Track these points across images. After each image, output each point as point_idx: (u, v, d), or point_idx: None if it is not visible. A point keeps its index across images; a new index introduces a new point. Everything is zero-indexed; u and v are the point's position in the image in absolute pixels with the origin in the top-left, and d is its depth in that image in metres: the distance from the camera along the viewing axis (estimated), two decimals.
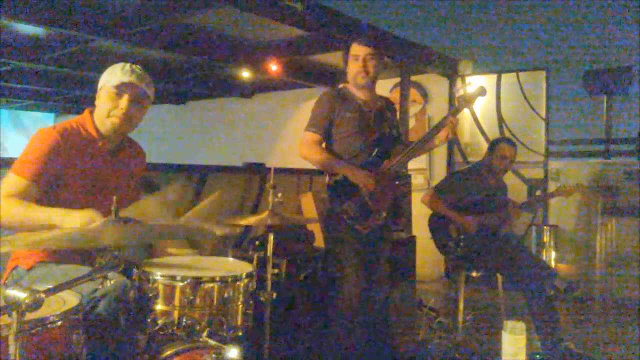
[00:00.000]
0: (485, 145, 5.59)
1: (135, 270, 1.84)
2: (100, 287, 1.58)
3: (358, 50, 2.65)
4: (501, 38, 5.67)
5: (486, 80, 5.74)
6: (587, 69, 5.18)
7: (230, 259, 2.14)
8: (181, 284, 1.78)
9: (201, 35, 5.11)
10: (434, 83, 6.23)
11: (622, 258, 4.78)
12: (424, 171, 6.11)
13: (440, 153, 6.02)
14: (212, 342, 1.72)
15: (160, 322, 1.77)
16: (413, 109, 6.16)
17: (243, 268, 1.99)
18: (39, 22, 4.05)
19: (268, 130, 7.85)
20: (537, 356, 3.08)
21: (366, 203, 2.60)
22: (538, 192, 4.18)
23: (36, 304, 1.14)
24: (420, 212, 4.14)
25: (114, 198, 1.33)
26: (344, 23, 4.44)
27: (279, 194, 2.24)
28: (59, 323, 1.45)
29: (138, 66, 2.07)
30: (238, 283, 1.88)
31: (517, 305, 3.77)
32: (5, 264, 1.97)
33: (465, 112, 5.61)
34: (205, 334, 1.74)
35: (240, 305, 1.91)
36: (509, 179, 4.90)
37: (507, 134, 5.55)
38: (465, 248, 3.40)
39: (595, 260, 4.79)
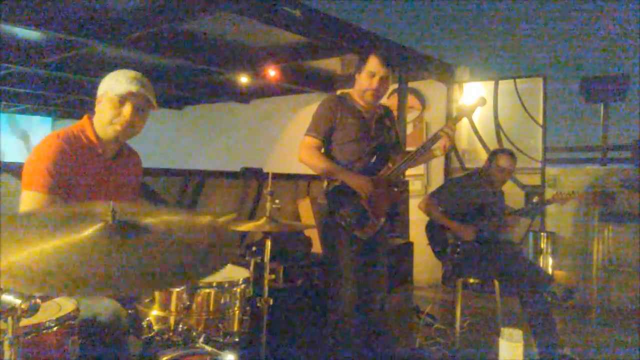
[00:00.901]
0: (482, 152, 5.62)
1: None
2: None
3: (378, 68, 2.62)
4: (499, 45, 5.71)
5: (483, 87, 5.76)
6: (584, 76, 5.20)
7: (227, 264, 2.13)
8: (177, 289, 1.78)
9: (199, 41, 5.12)
10: (432, 89, 6.24)
11: (619, 264, 4.79)
12: (421, 177, 6.11)
13: (437, 159, 6.01)
14: (208, 348, 1.71)
15: (156, 327, 1.76)
16: (411, 115, 6.17)
17: (240, 274, 1.99)
18: (38, 26, 4.05)
19: (266, 136, 7.85)
20: None
21: (364, 209, 2.60)
22: (535, 199, 4.18)
23: (32, 310, 1.13)
24: (417, 218, 4.13)
25: (111, 204, 1.32)
26: (342, 30, 4.46)
27: (277, 200, 2.24)
28: (55, 329, 1.45)
29: (141, 74, 2.06)
30: (235, 289, 1.88)
31: (514, 312, 3.77)
32: None
33: (463, 119, 5.62)
34: (201, 339, 1.74)
35: (237, 311, 1.90)
36: (506, 185, 4.89)
37: (504, 141, 5.57)
38: (462, 254, 3.40)
39: (592, 267, 4.79)
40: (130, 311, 1.80)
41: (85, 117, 2.10)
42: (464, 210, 3.45)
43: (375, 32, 4.85)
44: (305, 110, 7.17)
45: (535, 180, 5.44)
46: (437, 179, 5.98)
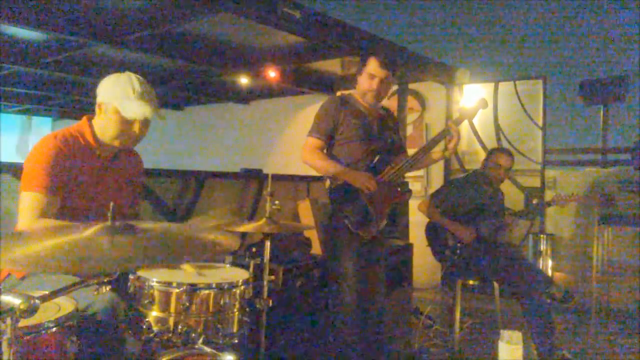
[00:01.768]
0: (482, 154, 5.62)
1: (130, 276, 1.84)
2: (95, 292, 1.58)
3: (377, 70, 2.65)
4: (499, 47, 5.71)
5: (483, 89, 5.76)
6: (584, 78, 5.21)
7: (227, 265, 2.13)
8: (177, 290, 1.78)
9: (199, 42, 5.12)
10: (432, 91, 6.24)
11: (619, 267, 4.78)
12: (420, 178, 6.11)
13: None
14: (207, 349, 1.71)
15: (155, 328, 1.76)
16: (410, 117, 6.17)
17: (239, 275, 1.98)
18: (37, 26, 4.04)
19: (266, 136, 7.85)
20: None
21: (368, 208, 2.60)
22: (535, 200, 4.19)
23: (31, 310, 1.13)
24: (417, 219, 4.13)
25: (111, 204, 1.33)
26: (342, 31, 4.46)
27: (276, 201, 2.24)
28: (54, 329, 1.45)
29: (145, 84, 2.03)
30: (234, 290, 1.87)
31: (513, 314, 3.77)
32: None
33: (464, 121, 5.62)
34: (200, 340, 1.73)
35: (237, 312, 1.90)
36: (506, 187, 4.90)
37: (504, 143, 5.57)
38: (461, 256, 3.40)
39: (592, 269, 4.78)
40: (130, 312, 1.80)
41: (84, 118, 2.10)
42: (464, 211, 3.45)
43: (376, 34, 4.85)
44: (305, 111, 7.17)
45: (535, 182, 5.43)
46: (437, 181, 5.98)
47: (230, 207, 3.47)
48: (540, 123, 5.47)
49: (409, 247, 4.24)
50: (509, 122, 5.65)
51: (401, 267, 3.95)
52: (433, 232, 3.55)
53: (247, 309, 1.97)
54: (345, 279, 2.58)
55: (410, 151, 2.89)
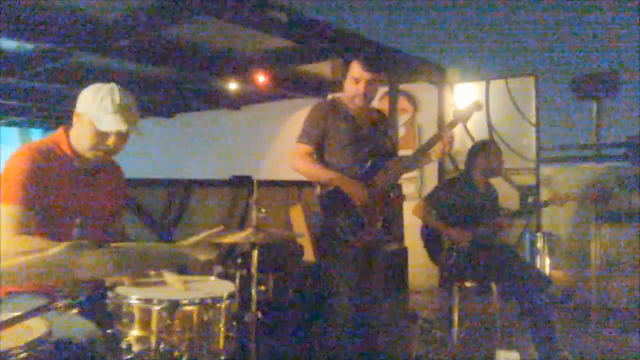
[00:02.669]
0: None
1: (109, 294, 1.75)
2: (66, 315, 1.50)
3: (360, 73, 2.57)
4: (489, 45, 5.66)
5: (475, 88, 5.71)
6: (576, 74, 5.16)
7: (212, 277, 2.05)
8: (158, 307, 1.69)
9: (186, 48, 5.05)
10: (423, 91, 6.19)
11: (618, 264, 4.73)
12: (414, 180, 6.05)
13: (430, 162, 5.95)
14: None
15: (135, 348, 1.67)
16: (402, 118, 6.11)
17: (224, 288, 1.90)
18: (22, 36, 3.96)
19: (257, 142, 7.78)
20: None
21: (359, 215, 2.53)
22: (530, 199, 4.14)
23: None
24: (412, 222, 4.06)
25: (78, 221, 1.24)
26: (330, 33, 4.39)
27: (263, 210, 2.17)
28: (23, 355, 1.36)
29: (124, 94, 1.94)
30: (219, 305, 1.79)
31: (512, 315, 3.70)
32: None
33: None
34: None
35: (222, 328, 1.82)
36: (501, 186, 4.84)
37: (497, 141, 5.51)
38: (458, 259, 3.34)
39: (590, 267, 4.72)
40: (108, 331, 1.71)
41: (60, 129, 2.02)
42: (458, 213, 3.38)
43: (363, 35, 4.79)
44: (296, 115, 7.10)
45: (530, 180, 5.38)
46: (431, 182, 5.91)
47: (219, 216, 3.39)
48: (533, 120, 5.42)
49: (403, 251, 4.16)
50: (502, 121, 5.60)
51: (396, 272, 3.87)
52: (428, 235, 3.49)
53: (235, 324, 1.88)
54: (339, 289, 2.50)
55: (402, 153, 2.83)
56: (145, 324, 1.70)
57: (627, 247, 4.65)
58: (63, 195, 1.92)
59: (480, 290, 3.62)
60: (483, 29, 5.58)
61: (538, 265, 4.94)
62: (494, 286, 3.48)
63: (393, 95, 5.41)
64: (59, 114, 9.22)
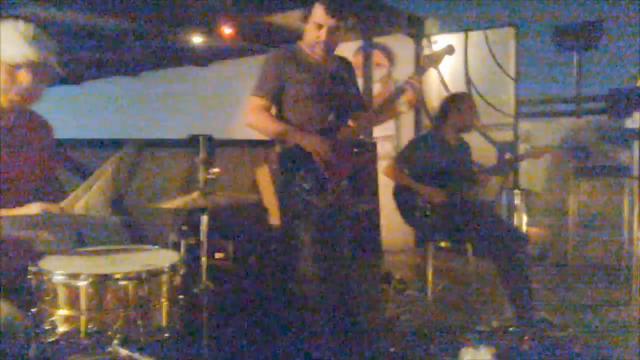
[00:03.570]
0: None
1: (30, 268, 1.53)
2: None
3: (324, 18, 2.33)
4: None
5: (453, 40, 5.45)
6: (557, 24, 4.95)
7: (154, 247, 1.84)
8: (85, 282, 1.48)
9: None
10: (399, 44, 5.91)
11: (596, 220, 4.66)
12: (390, 138, 5.85)
13: (407, 118, 5.76)
14: (123, 351, 1.44)
15: (61, 328, 1.47)
16: (378, 73, 5.85)
17: (166, 259, 1.69)
18: None
19: (227, 100, 7.46)
20: (511, 329, 2.93)
21: (322, 173, 2.35)
22: (508, 155, 4.01)
23: None
24: (386, 182, 3.90)
25: None
26: None
27: (214, 170, 1.95)
28: None
29: (35, 27, 1.74)
30: (157, 278, 1.58)
31: (488, 274, 3.63)
32: None
33: (433, 73, 5.35)
34: (116, 341, 1.45)
35: (165, 303, 1.62)
36: (477, 142, 4.69)
37: (475, 96, 5.32)
38: (432, 218, 3.21)
39: (568, 224, 4.67)
40: (32, 310, 1.50)
41: None
42: (431, 170, 3.23)
43: None
44: None
45: (508, 135, 5.24)
46: (408, 140, 5.73)
47: (176, 179, 3.15)
48: (512, 73, 5.23)
49: (374, 211, 4.00)
50: (480, 74, 5.40)
51: (367, 232, 3.72)
52: (401, 195, 3.35)
53: (181, 297, 1.69)
54: (303, 253, 2.33)
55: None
56: (72, 302, 1.49)
57: (607, 203, 4.58)
58: None
59: (455, 249, 3.54)
60: None
61: (515, 223, 4.87)
62: (469, 245, 3.43)
63: (367, 49, 5.14)
64: None
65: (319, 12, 2.34)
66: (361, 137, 2.57)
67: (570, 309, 3.57)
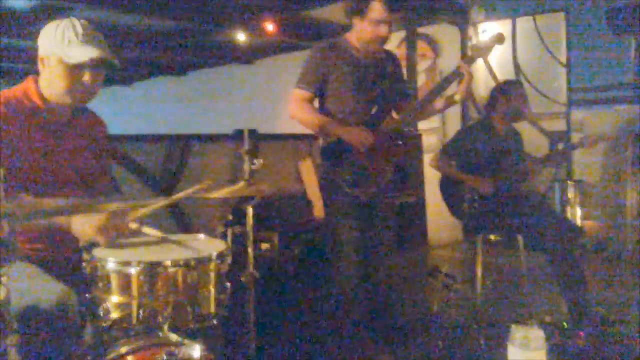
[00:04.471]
0: None
1: (84, 256, 1.59)
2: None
3: (383, 14, 2.31)
4: None
5: (500, 26, 5.29)
6: (611, 6, 4.71)
7: (201, 236, 1.87)
8: (136, 269, 1.52)
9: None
10: (445, 34, 5.79)
11: None
12: (436, 130, 5.74)
13: (453, 111, 5.64)
14: (173, 336, 1.47)
15: (114, 314, 1.52)
16: (422, 64, 5.75)
17: (213, 247, 1.72)
18: None
19: (272, 96, 7.55)
20: (565, 324, 2.83)
21: (364, 166, 2.34)
22: (560, 145, 3.87)
23: None
24: (433, 175, 3.84)
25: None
26: None
27: (258, 161, 1.97)
28: None
29: (92, 27, 1.78)
30: (206, 265, 1.61)
31: (540, 269, 3.51)
32: None
33: (480, 62, 5.21)
34: (166, 326, 1.49)
35: (213, 290, 1.65)
36: (529, 132, 4.54)
37: (524, 84, 5.15)
38: (481, 210, 3.13)
39: (625, 216, 4.45)
40: (86, 295, 1.56)
41: (29, 78, 1.84)
42: (479, 161, 3.15)
43: None
44: None
45: (561, 125, 5.05)
46: (455, 132, 5.62)
47: (222, 172, 3.21)
48: (564, 60, 5.03)
49: (420, 203, 3.94)
50: (530, 62, 5.23)
51: (414, 225, 3.67)
52: (448, 187, 3.29)
53: (228, 285, 1.72)
54: (343, 246, 2.33)
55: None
56: (124, 289, 1.54)
57: None
58: (36, 151, 1.76)
59: (506, 242, 3.44)
60: None
61: (569, 215, 4.70)
62: (520, 238, 3.30)
63: (411, 40, 5.06)
64: None
65: (378, 8, 2.31)
66: (406, 129, 2.53)
67: (626, 304, 3.41)
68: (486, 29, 5.38)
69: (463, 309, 3.36)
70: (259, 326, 1.90)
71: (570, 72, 5.03)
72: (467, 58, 2.51)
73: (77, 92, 1.76)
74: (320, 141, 2.48)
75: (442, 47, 5.87)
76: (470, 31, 5.49)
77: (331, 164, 2.39)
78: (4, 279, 1.25)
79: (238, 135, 3.62)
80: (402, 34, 5.47)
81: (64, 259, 1.70)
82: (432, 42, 5.89)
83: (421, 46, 5.70)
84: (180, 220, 2.79)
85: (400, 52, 5.20)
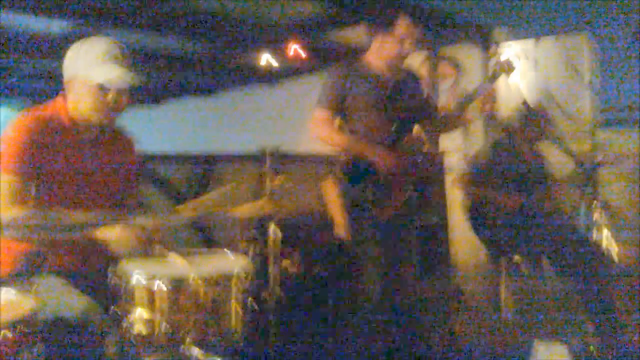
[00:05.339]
0: None
1: (110, 270, 1.63)
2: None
3: (410, 32, 2.36)
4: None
5: (523, 47, 5.27)
6: (637, 23, 4.66)
7: (227, 251, 1.89)
8: (160, 284, 1.55)
9: (213, 21, 4.89)
10: (467, 54, 5.79)
11: None
12: (458, 151, 5.71)
13: (475, 130, 5.60)
14: (195, 350, 1.49)
15: (137, 328, 1.55)
16: (444, 84, 5.75)
17: (236, 264, 1.74)
18: (41, 13, 3.89)
19: (296, 117, 7.60)
20: (592, 347, 2.75)
21: (385, 185, 2.34)
22: (585, 165, 3.79)
23: None
24: (456, 195, 3.82)
25: None
26: None
27: (280, 178, 1.99)
28: (9, 335, 1.25)
29: (120, 46, 1.84)
30: (228, 281, 1.63)
31: (567, 293, 3.42)
32: None
33: (502, 81, 5.19)
34: (188, 341, 1.51)
35: (235, 307, 1.66)
36: (553, 153, 4.46)
37: (549, 104, 5.10)
38: (505, 231, 3.08)
39: None
40: (111, 308, 1.59)
41: (60, 96, 1.90)
42: (502, 181, 3.12)
43: None
44: None
45: (586, 146, 4.96)
46: (477, 151, 5.57)
47: (245, 190, 3.25)
48: (588, 80, 4.97)
49: (442, 224, 3.90)
50: (554, 81, 5.16)
51: (436, 246, 3.63)
52: (471, 208, 3.26)
53: (250, 302, 1.73)
54: (364, 266, 2.32)
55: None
56: (148, 303, 1.57)
57: None
58: (64, 169, 1.81)
59: (532, 266, 3.38)
60: None
61: (596, 239, 4.59)
62: (545, 261, 3.22)
63: (432, 60, 5.08)
64: None
65: (404, 25, 2.34)
66: (427, 148, 2.53)
67: None
68: (509, 49, 5.37)
69: (487, 332, 3.29)
70: (280, 343, 1.90)
71: (595, 91, 4.96)
72: (490, 77, 2.52)
73: (102, 111, 1.80)
74: (341, 159, 2.49)
75: (464, 66, 5.86)
76: (492, 50, 5.48)
77: (352, 183, 2.39)
78: (33, 291, 1.29)
79: (262, 154, 3.67)
80: (423, 53, 5.49)
81: (91, 272, 1.73)
82: (454, 62, 5.89)
83: (443, 66, 5.70)
84: (204, 235, 2.82)
85: (422, 71, 5.21)
